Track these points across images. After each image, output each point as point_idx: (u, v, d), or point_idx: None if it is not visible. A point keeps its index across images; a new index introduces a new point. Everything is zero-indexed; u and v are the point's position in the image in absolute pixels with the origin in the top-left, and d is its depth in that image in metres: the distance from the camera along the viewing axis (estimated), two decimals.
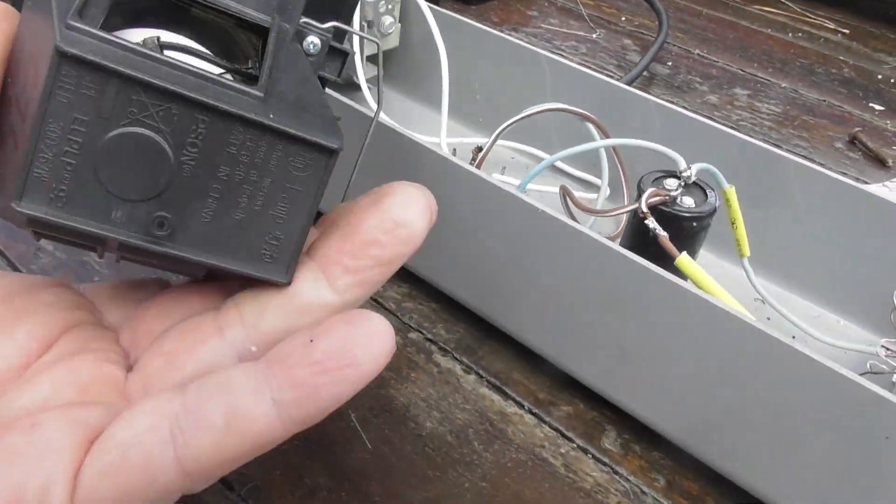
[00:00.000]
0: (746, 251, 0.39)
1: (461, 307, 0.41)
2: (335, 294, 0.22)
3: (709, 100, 0.65)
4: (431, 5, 0.51)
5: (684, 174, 0.36)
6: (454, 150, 0.43)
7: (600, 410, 0.36)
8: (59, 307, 0.22)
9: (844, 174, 0.57)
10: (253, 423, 0.18)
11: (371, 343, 0.19)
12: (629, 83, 0.62)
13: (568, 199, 0.38)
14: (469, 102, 0.52)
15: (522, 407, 0.36)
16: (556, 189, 0.40)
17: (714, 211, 0.35)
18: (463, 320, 0.40)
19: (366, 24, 0.48)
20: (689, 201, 0.35)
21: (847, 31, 0.82)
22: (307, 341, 0.19)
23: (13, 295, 0.22)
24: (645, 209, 0.34)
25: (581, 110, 0.42)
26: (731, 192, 0.38)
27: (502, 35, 0.50)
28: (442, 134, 0.45)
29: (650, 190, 0.34)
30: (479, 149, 0.44)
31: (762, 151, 0.41)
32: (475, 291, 0.39)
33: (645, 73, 0.67)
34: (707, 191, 0.36)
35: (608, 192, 0.46)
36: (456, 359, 0.38)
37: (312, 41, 0.23)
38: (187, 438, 0.18)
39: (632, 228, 0.36)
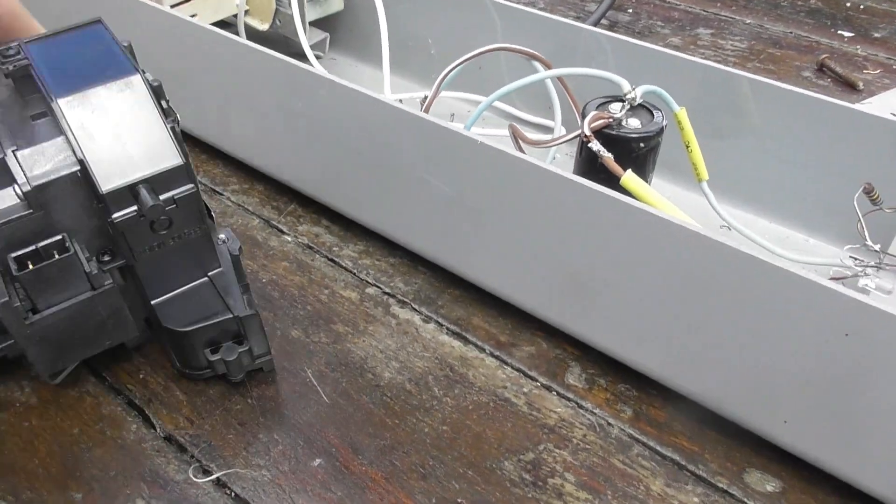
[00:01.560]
0: (704, 175, 0.38)
1: (420, 260, 0.40)
2: None
3: (671, 42, 0.64)
4: None
5: (628, 96, 0.34)
6: (400, 100, 0.42)
7: (563, 348, 0.35)
8: None
9: None
10: None
11: None
12: None
13: (516, 136, 0.37)
14: (421, 59, 0.51)
15: (483, 350, 0.35)
16: (507, 132, 0.39)
17: (661, 130, 0.34)
18: (422, 272, 0.39)
19: None
20: (634, 122, 0.34)
21: None
22: None
23: None
24: (588, 132, 0.32)
25: (525, 48, 0.41)
26: (682, 113, 0.36)
27: None
28: (385, 85, 0.44)
29: (592, 113, 0.33)
30: (426, 97, 0.43)
31: (716, 72, 0.40)
32: (429, 239, 0.38)
33: (605, 21, 0.65)
34: (654, 112, 0.35)
35: (563, 131, 0.45)
36: (415, 309, 0.37)
37: None
38: None
39: (579, 154, 0.35)
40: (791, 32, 0.66)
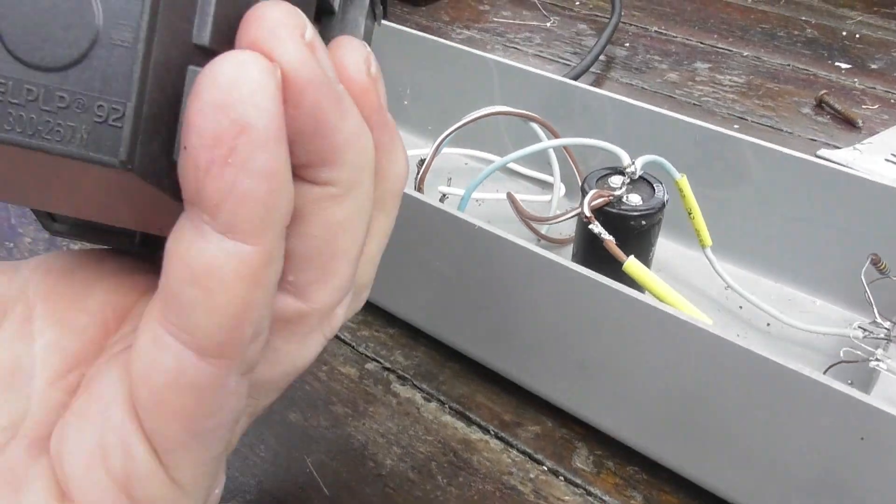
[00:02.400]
0: (707, 241, 0.37)
1: (420, 331, 0.39)
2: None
3: (669, 78, 0.63)
4: None
5: (629, 170, 0.34)
6: None
7: (570, 427, 0.34)
8: (125, 273, 0.20)
9: (813, 140, 0.55)
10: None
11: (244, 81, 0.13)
12: (584, 70, 0.60)
13: (516, 207, 0.37)
14: (394, 108, 0.51)
15: (488, 432, 0.35)
16: (505, 196, 0.38)
17: (663, 206, 0.33)
18: (422, 344, 0.39)
19: None
20: (635, 199, 0.33)
21: None
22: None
23: (73, 270, 0.20)
24: (588, 213, 0.32)
25: (523, 111, 0.40)
26: (684, 181, 0.36)
27: (442, 41, 0.48)
28: None
29: (592, 192, 0.32)
30: (422, 161, 0.42)
31: (716, 135, 0.39)
32: (429, 315, 0.37)
33: (602, 57, 0.65)
34: (654, 185, 0.34)
35: (563, 190, 0.44)
36: (416, 387, 0.37)
37: None
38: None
39: (580, 232, 0.34)
40: (789, 65, 0.65)
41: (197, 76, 0.14)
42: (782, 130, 0.56)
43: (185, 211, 0.15)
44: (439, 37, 0.69)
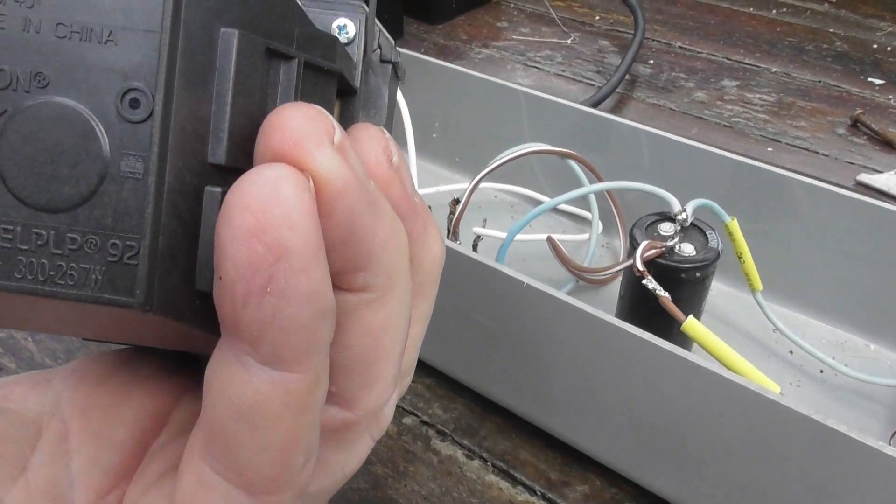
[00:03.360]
0: (758, 285, 0.36)
1: (459, 382, 0.37)
2: None
3: (697, 97, 0.62)
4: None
5: (679, 217, 0.32)
6: (429, 207, 0.40)
7: (620, 486, 0.33)
8: (161, 375, 0.19)
9: (851, 164, 0.53)
10: None
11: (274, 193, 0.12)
12: (610, 92, 0.58)
13: (557, 254, 0.35)
14: (423, 139, 0.49)
15: (534, 493, 0.33)
16: (545, 237, 0.37)
17: (717, 256, 0.32)
18: (462, 395, 0.37)
19: None
20: (688, 248, 0.32)
21: (833, 0, 0.78)
22: None
23: (107, 376, 0.19)
24: (641, 268, 0.30)
25: (560, 150, 0.38)
26: (734, 225, 0.34)
27: (469, 72, 0.47)
28: None
29: (644, 244, 0.31)
30: (457, 201, 0.41)
31: (760, 172, 0.37)
32: (469, 367, 0.36)
33: (627, 75, 0.63)
34: (706, 232, 0.33)
35: (601, 227, 0.42)
36: (456, 442, 0.35)
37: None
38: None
39: (629, 284, 0.33)
40: (819, 81, 0.64)
41: (225, 199, 0.12)
42: (818, 153, 0.55)
43: (222, 339, 0.13)
44: (458, 57, 0.68)
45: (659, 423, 0.29)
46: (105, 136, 0.12)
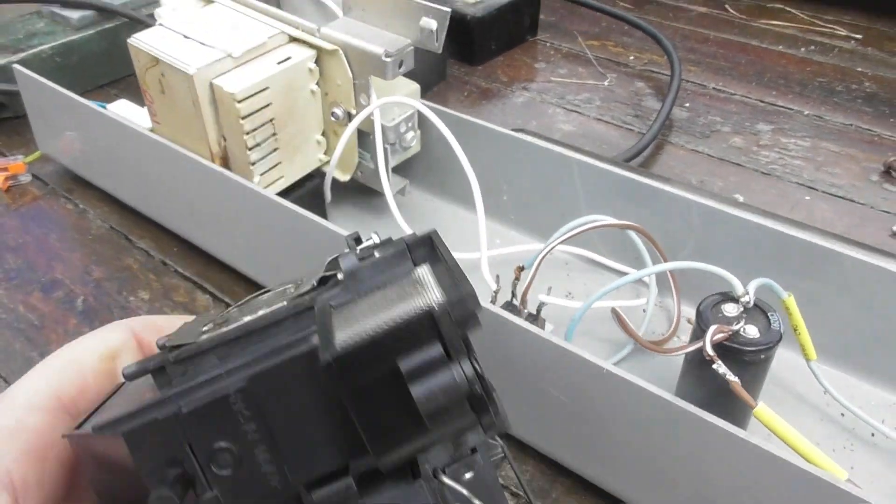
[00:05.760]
0: (812, 355, 0.38)
1: (527, 444, 0.40)
2: None
3: (734, 143, 0.64)
4: (443, 109, 0.50)
5: (743, 299, 0.35)
6: (497, 276, 0.43)
7: None
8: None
9: (887, 213, 0.55)
10: None
11: None
12: (651, 140, 0.61)
13: (623, 327, 0.38)
14: (516, 206, 0.51)
15: None
16: (607, 305, 0.40)
17: (780, 338, 0.34)
18: (531, 457, 0.40)
19: (388, 147, 0.48)
20: (752, 330, 0.34)
21: (859, 37, 0.80)
22: None
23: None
24: (711, 353, 0.33)
25: (623, 223, 0.41)
26: (791, 301, 0.37)
27: (529, 140, 0.49)
28: (483, 264, 0.44)
29: (713, 328, 0.33)
30: (521, 268, 0.43)
31: (812, 248, 0.40)
32: (544, 436, 0.38)
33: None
34: (768, 313, 0.35)
35: (655, 289, 0.45)
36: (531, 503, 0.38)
37: None
38: None
39: (696, 366, 0.35)
40: (851, 125, 0.66)
41: None
42: (854, 201, 0.57)
43: None
44: (500, 99, 0.70)
45: (724, 498, 0.32)
46: None
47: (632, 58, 0.78)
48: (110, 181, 0.56)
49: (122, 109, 0.54)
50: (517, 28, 0.79)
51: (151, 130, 0.49)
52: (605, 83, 0.73)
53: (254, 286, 0.48)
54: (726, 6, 0.88)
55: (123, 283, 0.50)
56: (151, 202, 0.53)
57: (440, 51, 0.43)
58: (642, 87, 0.72)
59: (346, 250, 0.19)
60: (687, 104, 0.69)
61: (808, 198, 0.57)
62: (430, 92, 0.71)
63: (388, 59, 0.43)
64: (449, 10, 0.42)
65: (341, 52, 0.44)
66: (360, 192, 0.54)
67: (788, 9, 0.86)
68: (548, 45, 0.80)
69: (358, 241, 0.20)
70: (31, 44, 0.67)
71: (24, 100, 0.57)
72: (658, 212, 0.44)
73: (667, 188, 0.44)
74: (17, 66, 0.55)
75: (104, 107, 0.53)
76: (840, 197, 0.57)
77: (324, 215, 0.52)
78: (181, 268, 0.52)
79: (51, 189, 0.59)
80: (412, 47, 0.44)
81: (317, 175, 0.51)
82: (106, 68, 0.71)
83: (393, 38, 0.44)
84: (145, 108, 0.51)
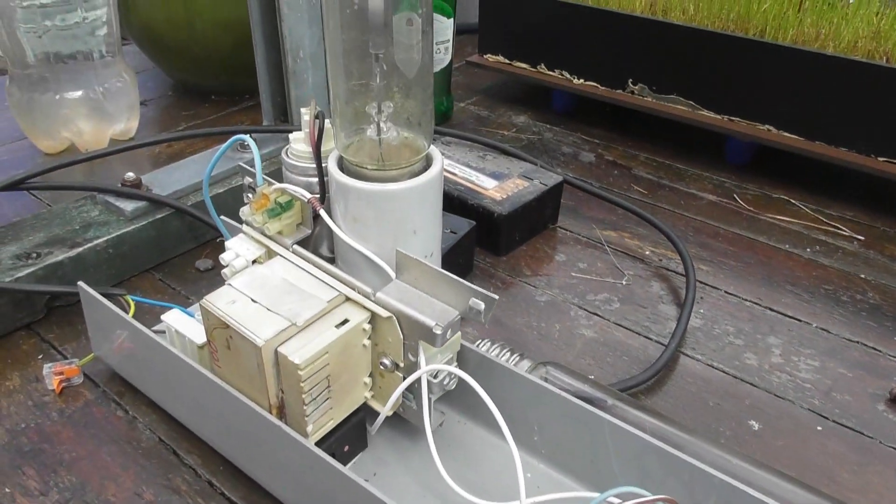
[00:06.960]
0: None
1: None
2: None
3: (746, 359, 0.68)
4: (474, 349, 0.53)
5: None
6: None
7: None
8: None
9: (894, 449, 0.59)
10: None
11: None
12: (669, 359, 0.64)
13: None
14: (548, 448, 0.55)
15: None
16: None
17: None
18: None
19: (431, 397, 0.51)
20: None
21: (862, 238, 0.85)
22: None
23: None
24: None
25: (657, 497, 0.44)
26: None
27: (559, 394, 0.52)
28: None
29: None
30: None
31: None
32: None
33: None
34: None
35: None
36: None
37: None
38: None
39: None
40: (858, 342, 0.70)
41: None
42: (863, 434, 0.60)
43: None
44: (523, 298, 0.74)
45: None
46: None
47: (647, 252, 0.82)
48: (162, 397, 0.59)
49: (176, 321, 0.58)
50: (540, 219, 0.84)
51: (211, 370, 0.52)
52: (623, 281, 0.78)
53: None
54: (734, 195, 0.94)
55: None
56: (203, 427, 0.56)
57: (486, 326, 0.47)
58: (657, 289, 0.77)
59: None
60: (701, 310, 0.74)
61: (819, 428, 0.61)
62: None
63: (439, 333, 0.47)
64: (496, 297, 0.46)
65: (395, 318, 0.48)
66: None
67: (793, 201, 0.92)
68: (568, 234, 0.85)
69: None
70: (87, 236, 0.71)
71: (86, 313, 0.60)
72: (685, 483, 0.47)
73: (690, 461, 0.47)
74: (82, 285, 0.58)
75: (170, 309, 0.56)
76: (850, 428, 0.61)
77: (364, 444, 0.55)
78: (227, 489, 0.54)
79: (101, 392, 0.62)
80: (460, 318, 0.48)
81: (361, 408, 0.54)
82: (153, 255, 0.76)
83: (443, 309, 0.48)
84: (196, 318, 0.55)
